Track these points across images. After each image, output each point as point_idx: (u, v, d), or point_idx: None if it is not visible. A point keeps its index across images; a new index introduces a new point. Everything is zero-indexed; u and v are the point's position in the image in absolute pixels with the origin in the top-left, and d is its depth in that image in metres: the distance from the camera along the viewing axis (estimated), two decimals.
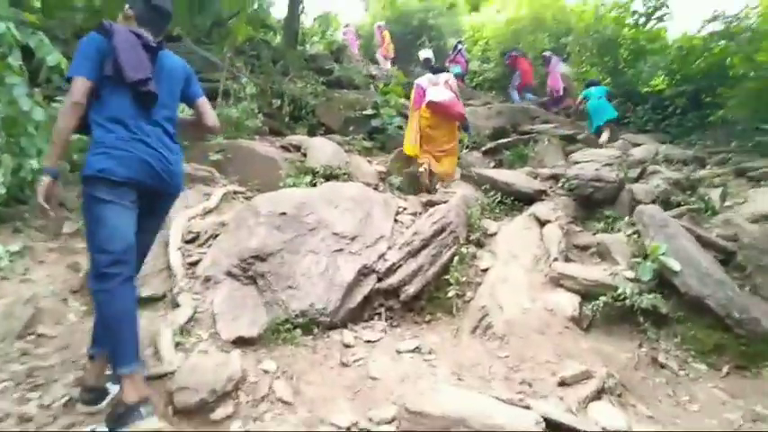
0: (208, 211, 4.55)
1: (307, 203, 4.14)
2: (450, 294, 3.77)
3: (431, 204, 5.23)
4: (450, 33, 18.61)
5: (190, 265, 3.72)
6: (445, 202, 5.23)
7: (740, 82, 9.04)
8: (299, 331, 3.10)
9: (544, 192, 6.13)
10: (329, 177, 5.41)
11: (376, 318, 3.75)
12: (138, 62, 2.22)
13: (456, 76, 14.16)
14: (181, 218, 4.17)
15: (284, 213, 3.93)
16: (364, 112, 7.46)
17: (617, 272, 3.79)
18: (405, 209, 5.11)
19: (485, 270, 4.14)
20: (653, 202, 4.95)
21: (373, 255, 4.01)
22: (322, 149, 5.79)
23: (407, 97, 8.32)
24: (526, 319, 3.45)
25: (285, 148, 6.17)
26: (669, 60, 10.40)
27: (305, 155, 5.87)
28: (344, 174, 5.48)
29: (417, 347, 3.18)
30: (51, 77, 4.17)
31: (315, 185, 5.28)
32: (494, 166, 7.81)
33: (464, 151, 7.63)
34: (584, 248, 4.57)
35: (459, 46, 14.04)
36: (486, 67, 16.05)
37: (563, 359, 3.08)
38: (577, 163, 5.51)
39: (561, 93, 12.18)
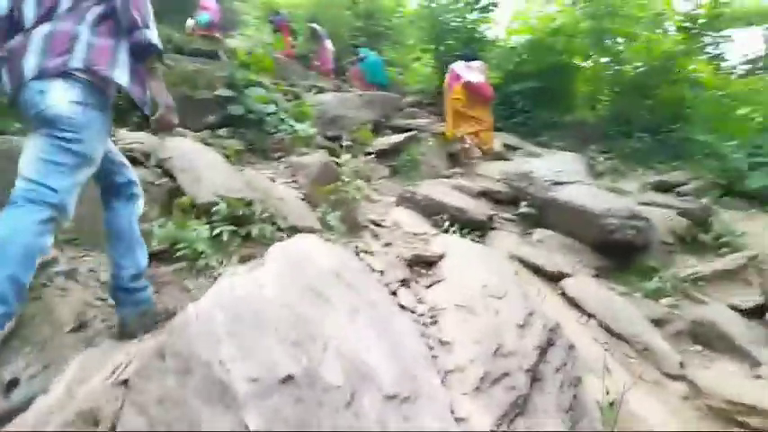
0: None
1: (302, 320, 1.78)
2: None
3: (420, 263, 3.21)
4: None
5: None
6: (440, 258, 3.29)
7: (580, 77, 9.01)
8: None
9: (491, 218, 4.70)
10: (239, 221, 2.91)
11: None
12: None
13: (203, 25, 11.34)
14: None
15: (290, 378, 1.52)
16: (216, 93, 4.78)
17: None
18: (382, 272, 3.00)
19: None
20: (678, 241, 3.88)
21: (446, 418, 1.91)
22: (206, 163, 3.16)
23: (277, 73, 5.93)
24: None
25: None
26: (516, 54, 9.88)
27: (170, 174, 3.14)
28: (264, 213, 3.02)
29: None
30: None
31: (218, 239, 2.75)
32: (390, 175, 6.05)
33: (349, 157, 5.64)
34: (655, 324, 3.20)
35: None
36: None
37: None
38: (559, 185, 4.14)
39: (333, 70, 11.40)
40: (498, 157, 6.80)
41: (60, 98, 1.67)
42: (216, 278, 2.63)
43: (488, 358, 2.18)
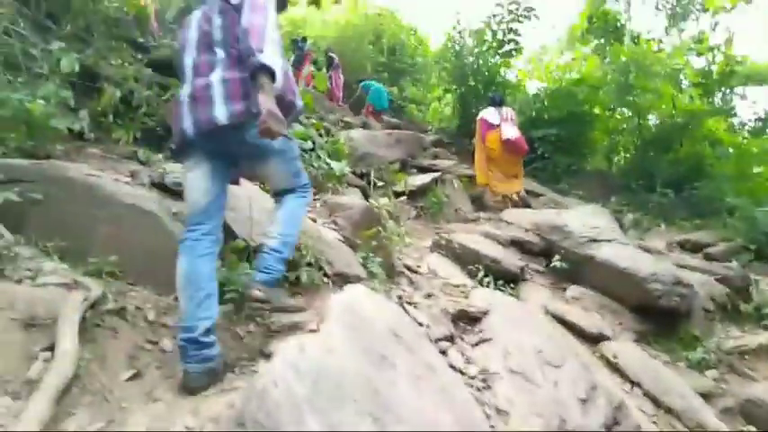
0: None
1: (375, 389, 1.74)
2: None
3: (464, 317, 3.15)
4: None
5: None
6: (484, 314, 3.23)
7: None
8: None
9: (523, 269, 4.65)
10: (288, 266, 2.87)
11: None
12: None
13: None
14: None
15: None
16: None
17: None
18: (428, 326, 2.95)
19: None
20: (719, 309, 3.83)
21: None
22: (256, 202, 3.14)
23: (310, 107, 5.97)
24: None
25: (162, 188, 3.27)
26: (538, 100, 9.99)
27: None
28: (312, 258, 2.99)
29: None
30: None
31: None
32: (416, 216, 6.02)
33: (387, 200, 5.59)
34: (703, 398, 3.12)
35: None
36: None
37: None
38: (596, 243, 4.09)
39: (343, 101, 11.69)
40: (522, 203, 6.78)
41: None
42: (267, 325, 2.58)
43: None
